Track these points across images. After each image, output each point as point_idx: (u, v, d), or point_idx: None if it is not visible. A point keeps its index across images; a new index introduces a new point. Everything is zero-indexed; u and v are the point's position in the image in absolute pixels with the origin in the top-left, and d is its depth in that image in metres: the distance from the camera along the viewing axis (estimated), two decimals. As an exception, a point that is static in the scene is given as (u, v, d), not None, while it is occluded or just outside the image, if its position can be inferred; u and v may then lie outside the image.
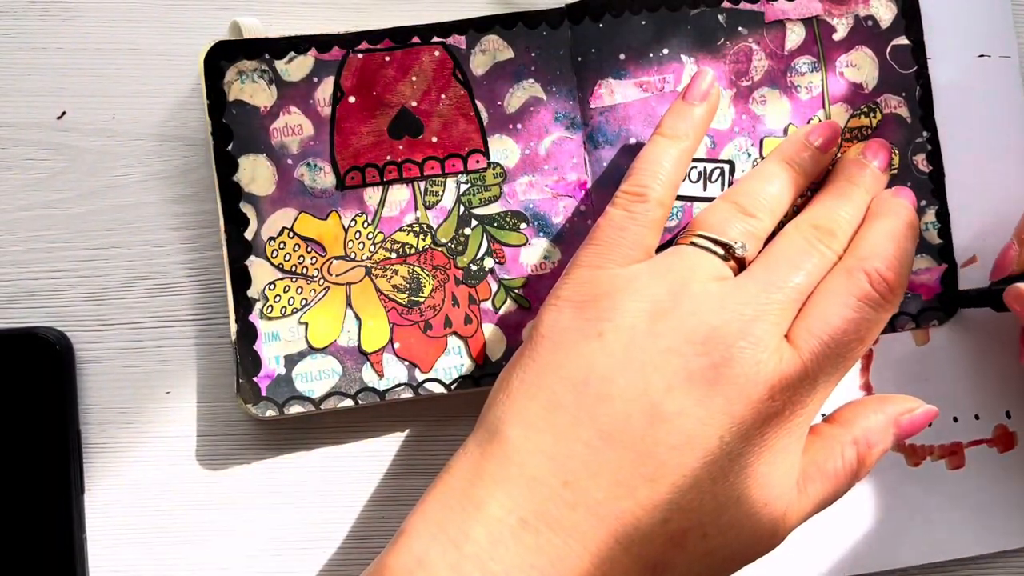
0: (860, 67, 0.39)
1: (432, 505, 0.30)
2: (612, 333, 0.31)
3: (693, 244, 0.34)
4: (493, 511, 0.29)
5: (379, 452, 0.39)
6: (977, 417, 0.39)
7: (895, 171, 0.39)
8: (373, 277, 0.37)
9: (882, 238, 0.34)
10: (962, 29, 0.39)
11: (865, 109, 0.39)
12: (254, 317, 0.37)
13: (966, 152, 0.39)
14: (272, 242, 0.37)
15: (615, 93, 0.38)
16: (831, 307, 0.32)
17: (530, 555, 0.29)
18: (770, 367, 0.31)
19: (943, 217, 0.39)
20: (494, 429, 0.31)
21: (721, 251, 0.33)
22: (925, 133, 0.39)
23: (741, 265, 0.33)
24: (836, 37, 0.39)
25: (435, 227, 0.38)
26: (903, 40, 0.39)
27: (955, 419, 0.39)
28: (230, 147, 0.37)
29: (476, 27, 0.38)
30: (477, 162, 0.38)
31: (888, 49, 0.39)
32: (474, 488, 0.30)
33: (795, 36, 0.39)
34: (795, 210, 0.37)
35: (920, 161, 0.39)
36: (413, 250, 0.37)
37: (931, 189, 0.39)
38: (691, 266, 0.33)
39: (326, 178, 0.37)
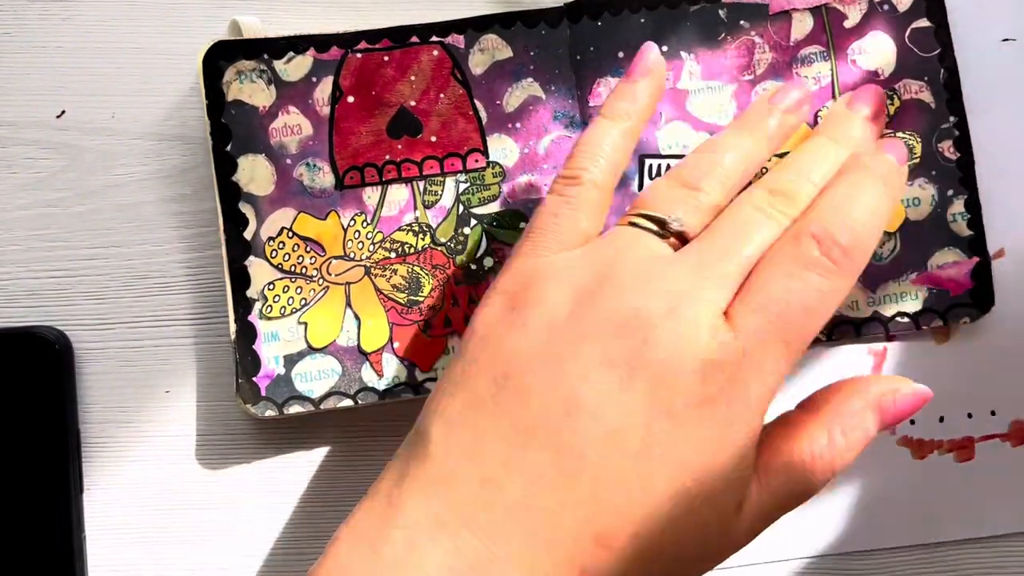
0: (875, 53, 0.38)
1: (358, 512, 0.29)
2: (535, 322, 0.29)
3: (630, 224, 0.31)
4: (411, 513, 0.28)
5: (379, 452, 0.39)
6: (993, 413, 0.38)
7: (915, 158, 0.37)
8: (372, 276, 0.37)
9: (842, 197, 0.30)
10: (985, 13, 0.38)
11: None
12: (253, 317, 0.37)
13: (991, 140, 0.38)
14: (271, 242, 0.37)
15: None
16: (773, 278, 0.29)
17: (448, 558, 0.27)
18: (699, 348, 0.28)
19: (973, 207, 0.37)
20: (419, 429, 0.30)
21: (656, 227, 0.31)
22: (952, 118, 0.37)
23: (683, 241, 0.31)
24: (848, 24, 0.38)
25: (434, 226, 0.38)
26: (924, 22, 0.38)
27: (969, 415, 0.38)
28: (229, 147, 0.37)
29: (475, 26, 0.38)
30: (476, 161, 0.38)
31: (907, 32, 0.38)
32: (396, 490, 0.28)
33: (802, 26, 0.38)
34: None
35: (947, 148, 0.37)
36: (412, 249, 0.37)
37: (959, 178, 0.37)
38: (623, 246, 0.30)
39: (325, 178, 0.37)
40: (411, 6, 0.39)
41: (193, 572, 0.38)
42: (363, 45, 0.37)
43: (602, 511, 0.28)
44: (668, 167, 0.38)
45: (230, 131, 0.37)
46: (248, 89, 0.37)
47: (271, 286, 0.37)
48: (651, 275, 0.29)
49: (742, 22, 0.38)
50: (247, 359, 0.37)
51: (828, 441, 0.30)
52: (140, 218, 0.39)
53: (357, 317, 0.37)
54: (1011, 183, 0.38)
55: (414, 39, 0.38)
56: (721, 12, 0.38)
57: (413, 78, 0.38)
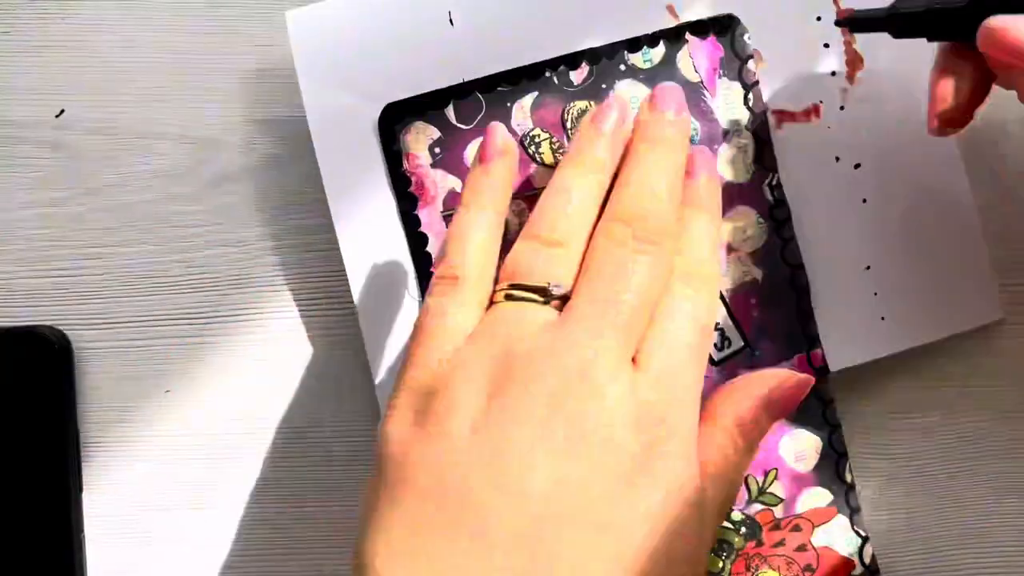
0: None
1: None
2: (454, 428, 0.28)
3: (508, 298, 0.30)
4: None
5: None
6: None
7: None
8: None
9: (693, 232, 0.32)
10: None
11: None
12: None
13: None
14: None
15: None
16: (670, 328, 0.30)
17: None
18: (625, 402, 0.28)
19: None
20: (362, 565, 0.28)
21: (537, 297, 0.30)
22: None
23: (564, 300, 0.30)
24: None
25: None
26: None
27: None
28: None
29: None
30: None
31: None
32: None
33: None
34: None
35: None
36: None
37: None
38: (512, 325, 0.29)
39: None
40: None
41: (193, 572, 0.38)
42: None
43: None
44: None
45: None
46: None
47: None
48: (553, 347, 0.29)
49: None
50: None
51: (733, 447, 0.31)
52: (140, 218, 0.39)
53: None
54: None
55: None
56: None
57: None
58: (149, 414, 0.39)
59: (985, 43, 0.29)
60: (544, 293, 0.30)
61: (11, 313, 0.39)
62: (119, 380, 0.39)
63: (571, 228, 0.31)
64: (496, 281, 0.31)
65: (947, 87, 0.31)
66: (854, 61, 0.37)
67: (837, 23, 0.34)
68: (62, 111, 0.39)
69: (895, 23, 0.32)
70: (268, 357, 0.39)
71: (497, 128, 0.33)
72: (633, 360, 0.29)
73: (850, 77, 0.37)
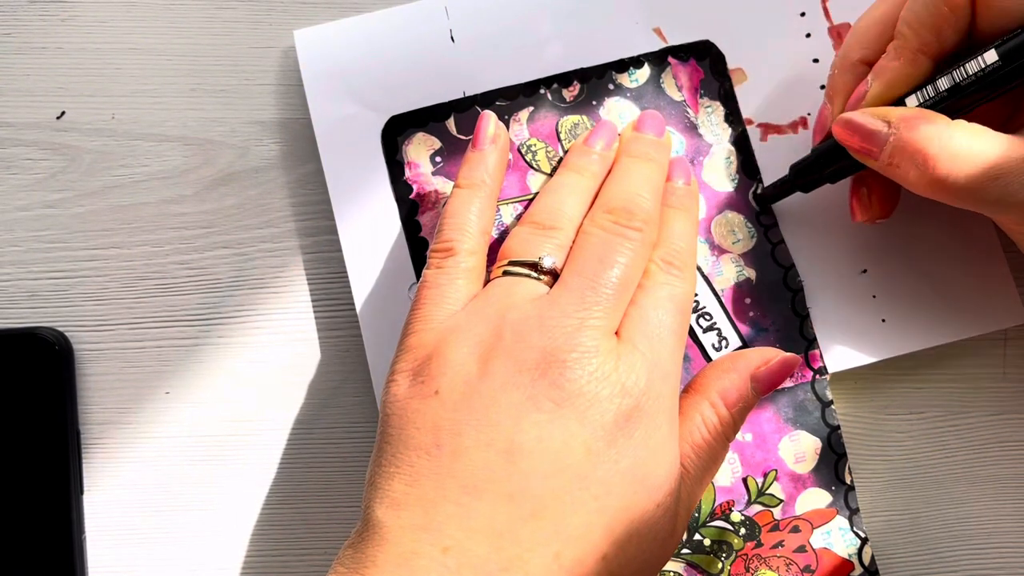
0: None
1: None
2: (447, 388, 0.30)
3: (505, 274, 0.33)
4: None
5: (378, 452, 0.39)
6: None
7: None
8: None
9: (671, 223, 0.35)
10: None
11: None
12: None
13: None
14: None
15: None
16: (649, 306, 0.32)
17: None
18: (608, 369, 0.30)
19: None
20: (365, 516, 0.30)
21: (530, 271, 0.33)
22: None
23: (555, 277, 0.33)
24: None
25: None
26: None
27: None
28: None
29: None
30: None
31: None
32: None
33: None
34: None
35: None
36: None
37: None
38: (505, 295, 0.32)
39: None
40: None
41: (193, 572, 0.38)
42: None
43: (567, 544, 0.29)
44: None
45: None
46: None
47: None
48: (542, 316, 0.31)
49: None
50: None
51: (718, 418, 0.33)
52: (140, 218, 0.39)
53: None
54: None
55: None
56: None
57: None
58: (149, 414, 0.39)
59: (840, 137, 0.34)
60: (535, 267, 0.33)
61: (11, 314, 0.39)
62: (119, 381, 0.39)
63: (563, 217, 0.34)
64: (494, 262, 0.34)
65: (857, 203, 0.36)
66: None
67: (756, 200, 0.38)
68: (63, 113, 0.39)
69: (799, 180, 0.36)
70: (268, 358, 0.39)
71: (489, 117, 0.36)
72: (616, 333, 0.32)
73: None
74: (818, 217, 0.38)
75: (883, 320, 0.37)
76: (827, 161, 0.35)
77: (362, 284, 0.38)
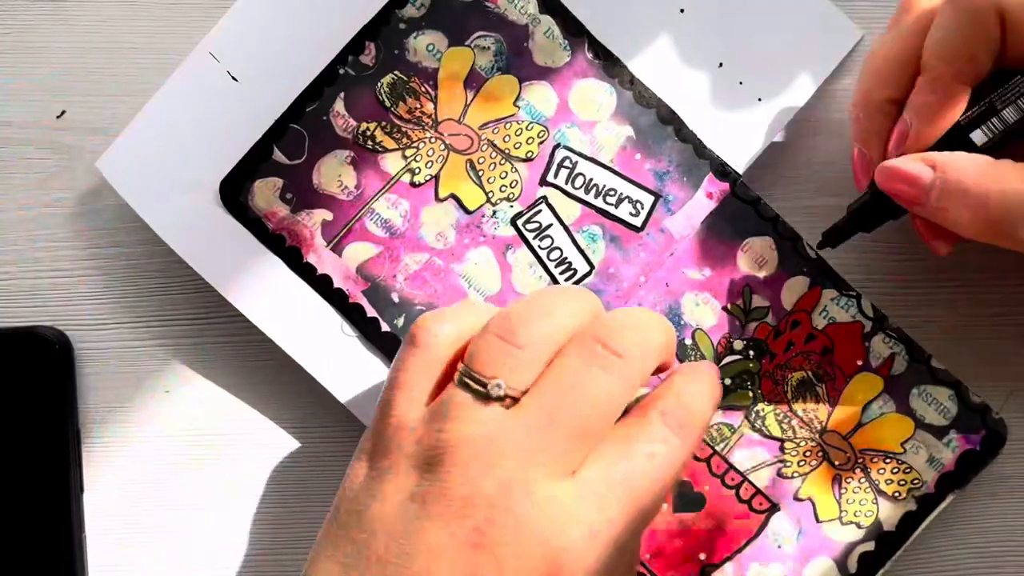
0: None
1: None
2: (390, 493, 0.29)
3: (461, 384, 0.30)
4: None
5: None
6: None
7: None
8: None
9: (680, 383, 0.32)
10: None
11: None
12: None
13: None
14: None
15: None
16: (616, 452, 0.30)
17: None
18: (542, 526, 0.28)
19: None
20: None
21: (481, 390, 0.30)
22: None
23: (515, 398, 0.30)
24: None
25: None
26: None
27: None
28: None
29: None
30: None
31: None
32: None
33: None
34: None
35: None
36: None
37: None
38: (457, 416, 0.29)
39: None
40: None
41: (193, 572, 0.38)
42: None
43: None
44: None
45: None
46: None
47: None
48: (488, 449, 0.29)
49: None
50: None
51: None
52: (140, 218, 0.39)
53: None
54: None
55: None
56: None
57: None
58: (149, 414, 0.39)
59: (884, 186, 0.33)
60: (485, 388, 0.30)
61: (11, 313, 0.39)
62: (119, 380, 0.39)
63: (539, 336, 0.30)
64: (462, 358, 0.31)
65: (934, 237, 0.34)
66: None
67: (819, 246, 0.37)
68: (63, 112, 0.39)
69: (859, 220, 0.35)
70: (267, 358, 0.39)
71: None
72: (575, 472, 0.29)
73: None
74: (653, 44, 0.38)
75: (759, 99, 0.38)
76: (876, 208, 0.34)
77: (296, 346, 0.37)
